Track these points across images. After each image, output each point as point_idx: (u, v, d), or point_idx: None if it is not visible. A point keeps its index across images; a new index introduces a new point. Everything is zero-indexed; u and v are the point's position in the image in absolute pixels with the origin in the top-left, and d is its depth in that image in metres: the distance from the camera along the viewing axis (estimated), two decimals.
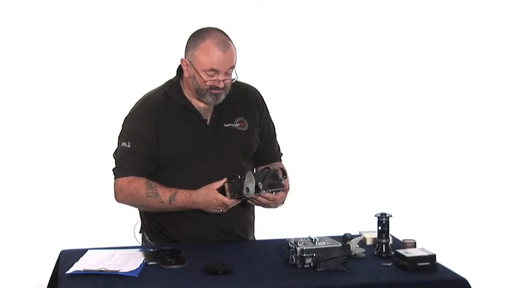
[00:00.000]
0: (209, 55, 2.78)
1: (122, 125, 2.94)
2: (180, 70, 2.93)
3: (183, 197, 2.80)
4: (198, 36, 2.83)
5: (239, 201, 2.79)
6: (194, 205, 2.80)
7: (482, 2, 5.17)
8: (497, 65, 5.22)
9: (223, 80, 2.81)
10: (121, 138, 2.92)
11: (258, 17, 5.06)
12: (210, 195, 2.76)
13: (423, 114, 5.20)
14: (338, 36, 5.12)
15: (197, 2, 4.96)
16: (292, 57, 5.07)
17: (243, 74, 2.96)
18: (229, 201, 2.75)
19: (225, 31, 2.86)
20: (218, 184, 2.77)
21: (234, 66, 2.84)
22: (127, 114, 2.95)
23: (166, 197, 2.81)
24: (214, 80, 2.80)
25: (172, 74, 2.97)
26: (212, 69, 2.79)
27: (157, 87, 2.98)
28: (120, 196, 2.88)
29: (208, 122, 2.91)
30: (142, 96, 2.98)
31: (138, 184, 2.84)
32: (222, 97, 2.86)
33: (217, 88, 2.82)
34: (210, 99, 2.85)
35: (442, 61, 5.19)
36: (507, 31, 5.21)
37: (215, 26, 2.87)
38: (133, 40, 4.90)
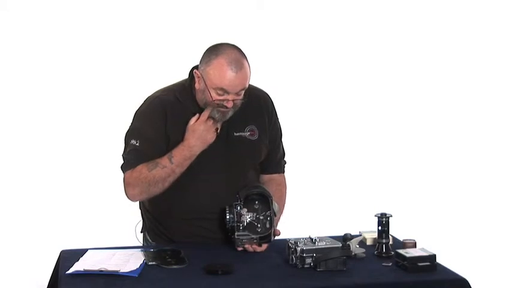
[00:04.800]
0: (220, 74, 2.72)
1: (131, 122, 2.90)
2: (192, 74, 2.86)
3: (179, 150, 2.76)
4: (213, 52, 2.76)
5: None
6: (192, 150, 2.77)
7: (482, 2, 5.17)
8: (497, 65, 5.22)
9: (233, 100, 2.76)
10: (130, 135, 2.87)
11: (258, 17, 5.06)
12: (196, 129, 2.74)
13: (423, 114, 5.20)
14: (338, 37, 5.12)
15: (198, 2, 4.96)
16: (292, 58, 5.07)
17: None
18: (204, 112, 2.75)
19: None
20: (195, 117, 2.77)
21: (245, 87, 2.77)
22: (136, 111, 2.90)
23: (166, 160, 2.77)
24: (222, 99, 2.75)
25: (173, 73, 2.96)
26: (222, 89, 2.73)
27: (168, 87, 2.93)
28: (129, 189, 2.83)
29: (218, 131, 2.88)
30: (152, 93, 2.93)
31: (139, 168, 2.79)
32: (229, 114, 2.80)
33: (224, 107, 2.76)
34: (216, 115, 2.80)
35: (442, 61, 5.19)
36: (507, 31, 5.21)
37: (232, 43, 2.80)
38: (134, 40, 4.90)
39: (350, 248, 2.61)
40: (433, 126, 5.20)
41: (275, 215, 2.80)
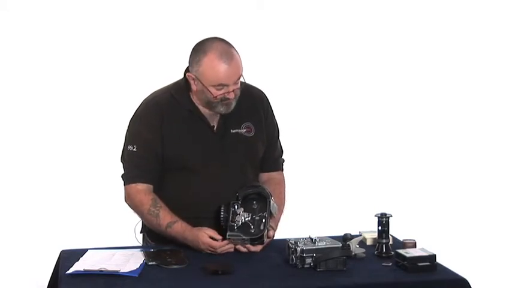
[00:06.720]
0: (215, 71, 2.74)
1: (128, 127, 2.93)
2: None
3: (178, 229, 2.79)
4: (200, 51, 2.78)
5: (230, 248, 2.74)
6: (185, 241, 2.79)
7: (482, 2, 5.17)
8: (497, 65, 5.22)
9: (233, 90, 2.79)
10: (127, 141, 2.91)
11: (258, 17, 5.06)
12: (199, 238, 2.74)
13: (423, 114, 5.20)
14: (338, 37, 5.12)
15: (197, 2, 4.96)
16: (292, 58, 5.07)
17: (243, 75, 2.96)
18: (218, 245, 2.72)
19: (225, 38, 2.80)
20: (211, 232, 2.74)
21: (241, 75, 2.81)
22: (132, 115, 2.93)
23: (165, 222, 2.81)
24: (223, 93, 2.78)
25: (173, 73, 2.96)
26: (220, 84, 2.76)
27: (164, 88, 2.95)
28: (128, 202, 2.91)
29: (215, 128, 2.89)
30: (147, 96, 2.95)
31: (144, 198, 2.84)
32: (233, 104, 2.83)
33: (228, 99, 2.79)
34: (222, 109, 2.82)
35: (442, 61, 5.19)
36: (507, 31, 5.21)
37: (215, 36, 2.82)
38: (134, 40, 4.90)
39: (350, 248, 2.61)
40: (433, 127, 5.20)
41: (272, 216, 2.79)
